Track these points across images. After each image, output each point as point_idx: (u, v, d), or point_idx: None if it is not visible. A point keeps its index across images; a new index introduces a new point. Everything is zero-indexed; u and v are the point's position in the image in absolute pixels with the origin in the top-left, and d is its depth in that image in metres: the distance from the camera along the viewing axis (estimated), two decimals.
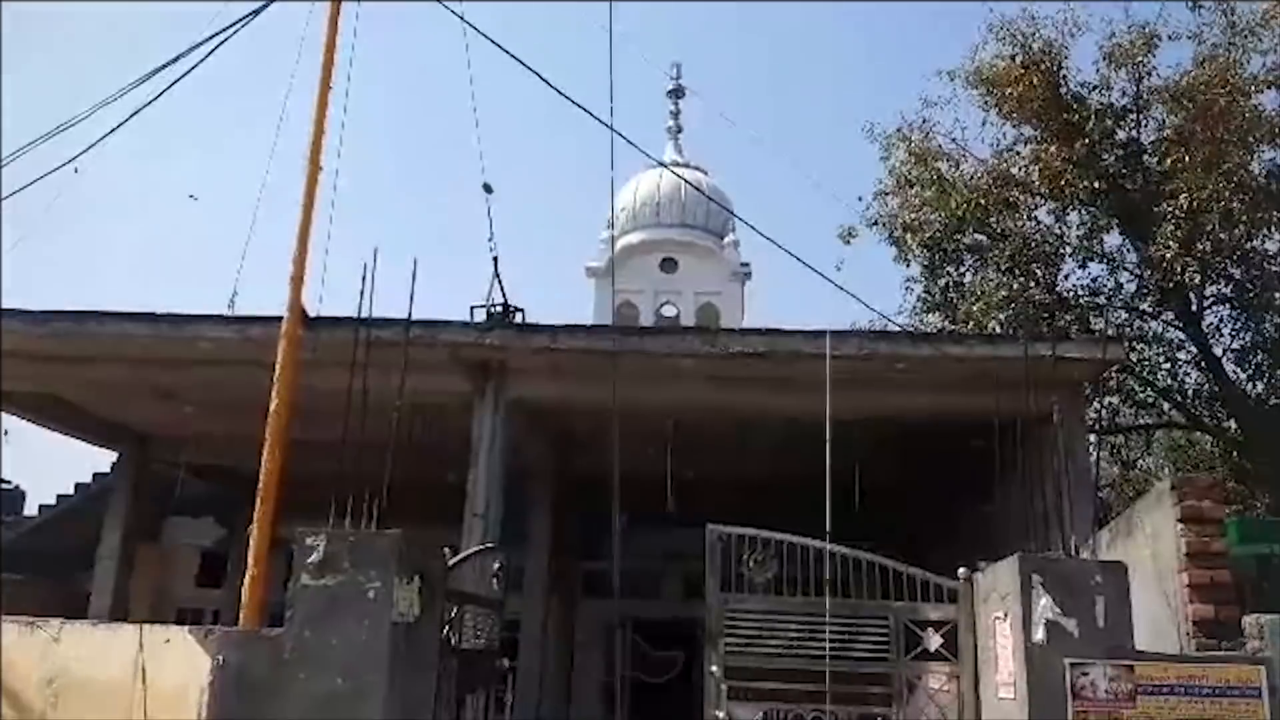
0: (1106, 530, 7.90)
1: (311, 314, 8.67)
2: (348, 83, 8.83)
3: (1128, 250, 17.18)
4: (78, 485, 17.18)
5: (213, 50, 8.83)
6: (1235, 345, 16.92)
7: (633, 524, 16.28)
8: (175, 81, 8.87)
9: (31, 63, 59.96)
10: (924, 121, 17.76)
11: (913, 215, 17.26)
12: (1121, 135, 16.82)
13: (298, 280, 8.47)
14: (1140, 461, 20.92)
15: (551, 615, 14.00)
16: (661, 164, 22.48)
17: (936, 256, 17.57)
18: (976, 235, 17.28)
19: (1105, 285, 17.41)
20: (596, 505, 16.36)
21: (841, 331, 10.97)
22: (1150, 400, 17.87)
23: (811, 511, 9.68)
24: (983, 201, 16.64)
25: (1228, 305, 17.06)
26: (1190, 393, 17.44)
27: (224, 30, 8.88)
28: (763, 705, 6.52)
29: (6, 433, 12.50)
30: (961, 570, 6.66)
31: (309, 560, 5.64)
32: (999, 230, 16.79)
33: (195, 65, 8.82)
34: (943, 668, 6.52)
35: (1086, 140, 16.06)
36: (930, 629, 6.53)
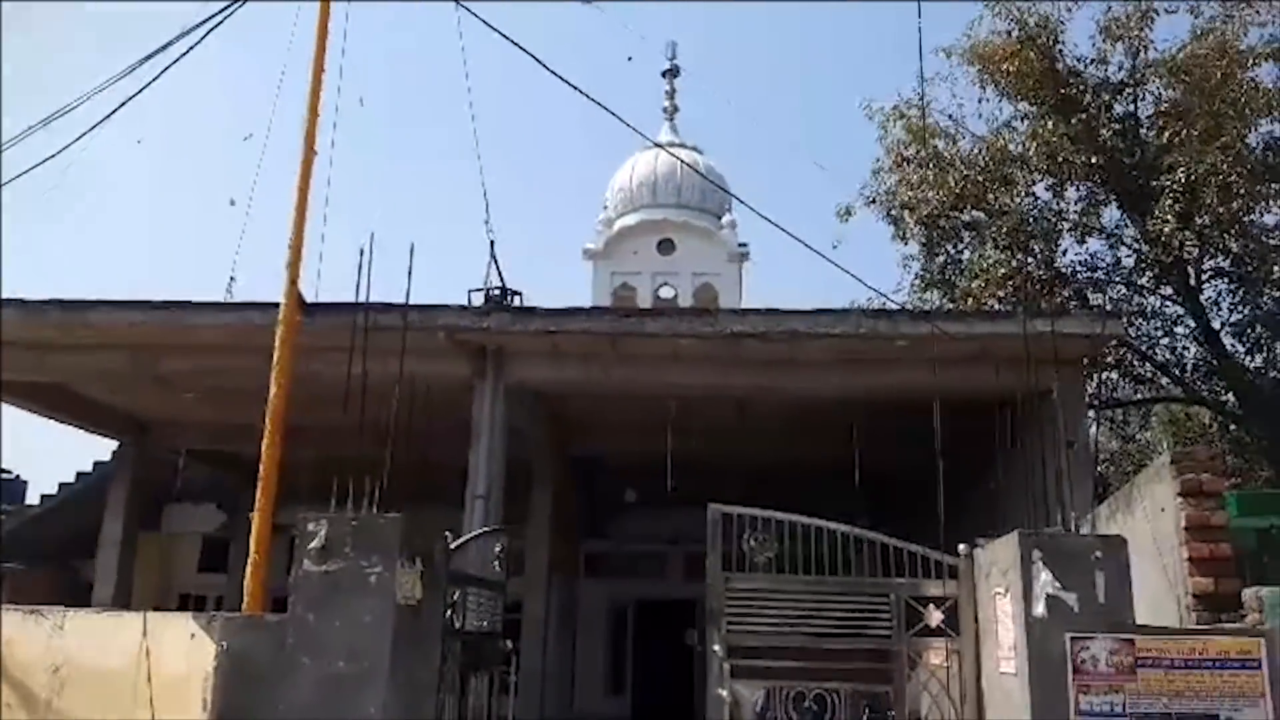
0: (1106, 505, 7.91)
1: (309, 300, 8.66)
2: (342, 54, 8.81)
3: (1126, 225, 17.15)
4: (79, 473, 17.20)
5: (203, 38, 8.79)
6: (1234, 319, 16.94)
7: (633, 506, 16.41)
8: (168, 67, 8.82)
9: (24, 53, 59.63)
10: (921, 98, 17.66)
11: (910, 193, 17.20)
12: (1119, 110, 16.76)
13: (294, 266, 8.46)
14: (1139, 436, 20.96)
15: (554, 597, 14.05)
16: (657, 144, 22.35)
17: (934, 234, 17.53)
18: (974, 212, 17.23)
19: (1104, 260, 17.41)
20: (597, 487, 16.49)
21: (840, 310, 10.98)
22: (1149, 375, 17.88)
23: (813, 490, 9.72)
24: (980, 178, 16.59)
25: (1226, 279, 17.04)
26: (1189, 367, 17.45)
27: (213, 16, 8.83)
28: (765, 683, 6.54)
29: None
30: (962, 547, 6.67)
31: (311, 545, 5.65)
32: (997, 207, 16.75)
33: (188, 50, 8.78)
34: (944, 643, 6.53)
35: (1084, 115, 15.99)
36: (931, 605, 6.54)
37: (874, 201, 18.10)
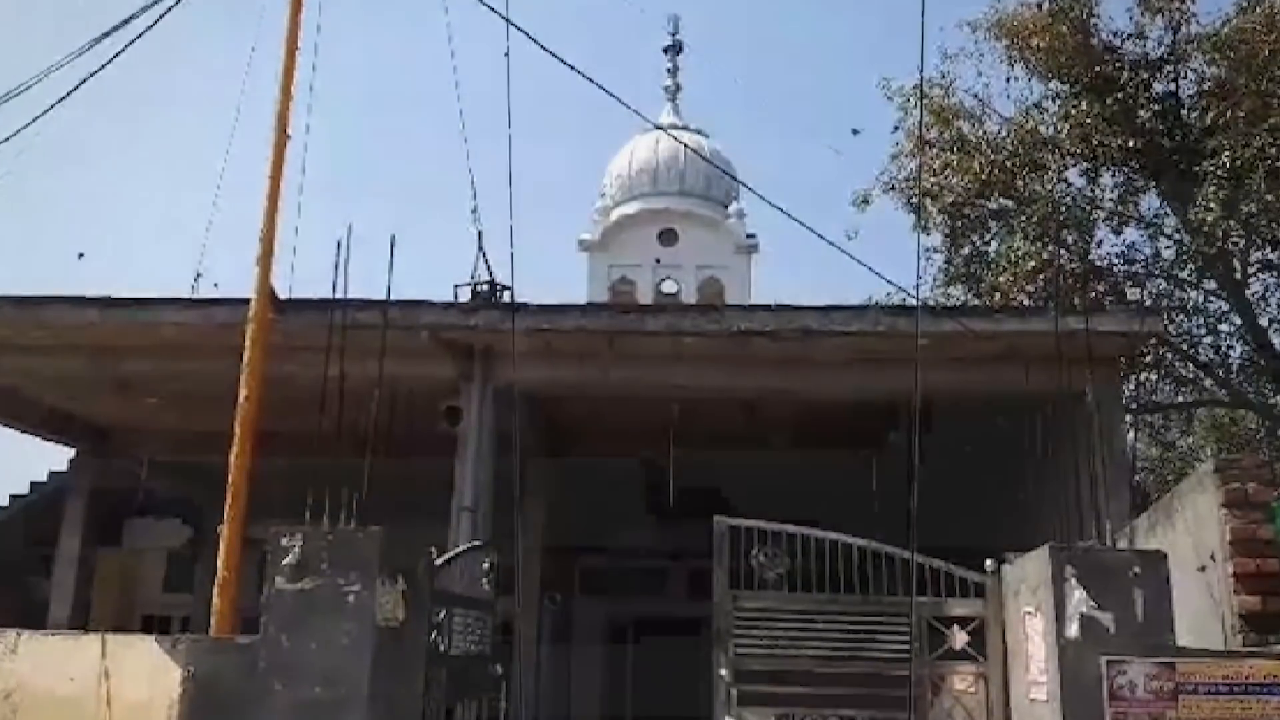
0: (1144, 517, 7.92)
1: (282, 296, 8.66)
2: (317, 34, 8.81)
3: (1166, 214, 17.16)
4: (33, 484, 17.19)
5: (168, 10, 8.78)
6: None
7: (633, 518, 16.40)
8: (130, 43, 8.81)
9: None
10: (944, 77, 17.67)
11: (933, 179, 17.21)
12: (1158, 88, 16.76)
13: (266, 259, 8.45)
14: (1180, 442, 20.97)
15: (547, 616, 14.05)
16: (659, 127, 22.36)
17: (959, 224, 17.54)
18: (1002, 200, 17.24)
19: (1142, 252, 17.43)
20: (593, 498, 16.48)
21: (856, 306, 11.00)
22: (1191, 376, 17.88)
23: (827, 500, 9.73)
24: (1008, 163, 16.60)
25: (1274, 272, 17.05)
26: (1234, 367, 17.45)
27: None
28: (775, 710, 6.55)
29: None
30: (989, 562, 6.69)
31: (284, 562, 5.66)
32: (1026, 194, 16.76)
33: (151, 25, 8.76)
34: (969, 668, 6.55)
35: (1120, 94, 16.00)
36: (955, 626, 6.55)
37: (893, 189, 18.12)
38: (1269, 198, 14.81)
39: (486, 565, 7.11)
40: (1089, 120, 15.95)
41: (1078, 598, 5.65)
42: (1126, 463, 10.47)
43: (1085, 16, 16.43)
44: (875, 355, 10.04)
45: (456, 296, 10.63)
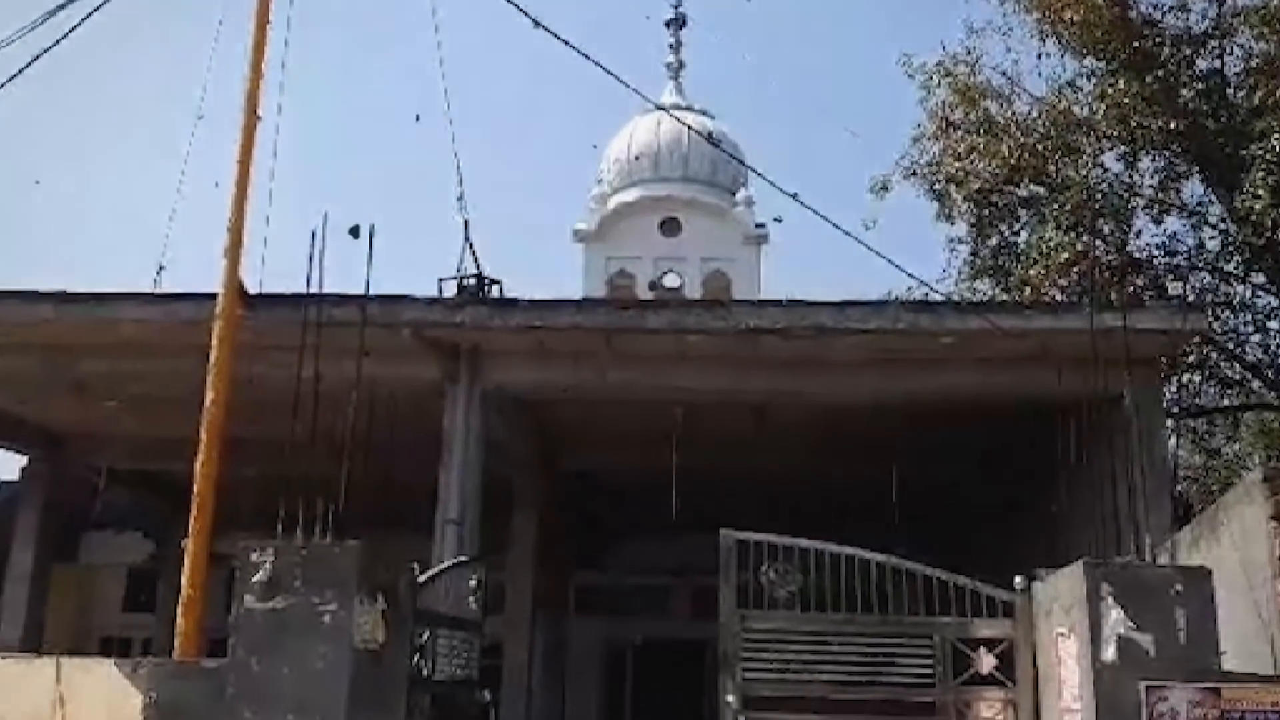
0: (1187, 530, 7.92)
1: (251, 290, 8.67)
2: (289, 6, 8.82)
3: (1210, 201, 17.14)
4: None
5: None
6: None
7: (633, 531, 16.42)
8: (87, 15, 8.82)
9: None
10: (970, 53, 17.69)
11: (958, 164, 17.21)
12: (1202, 65, 16.76)
13: (234, 251, 8.47)
14: (1226, 449, 20.95)
15: (539, 638, 14.06)
16: (660, 107, 22.36)
17: (986, 212, 17.53)
18: (1033, 186, 17.23)
19: (1184, 243, 17.40)
20: (590, 509, 16.50)
21: (875, 302, 10.99)
22: (1238, 377, 17.87)
23: (843, 512, 9.74)
24: (1039, 146, 16.59)
25: None
26: None
27: None
28: None
29: None
30: (1018, 580, 6.69)
31: (254, 579, 5.66)
32: (1059, 180, 16.76)
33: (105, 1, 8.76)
34: (997, 693, 6.55)
35: (1161, 72, 15.98)
36: (982, 649, 6.55)
37: (915, 174, 18.11)
38: None
39: (474, 582, 7.11)
40: (1127, 100, 15.93)
41: (1115, 618, 5.65)
42: (1167, 471, 10.49)
43: None
44: (895, 355, 10.05)
45: (441, 291, 10.65)
